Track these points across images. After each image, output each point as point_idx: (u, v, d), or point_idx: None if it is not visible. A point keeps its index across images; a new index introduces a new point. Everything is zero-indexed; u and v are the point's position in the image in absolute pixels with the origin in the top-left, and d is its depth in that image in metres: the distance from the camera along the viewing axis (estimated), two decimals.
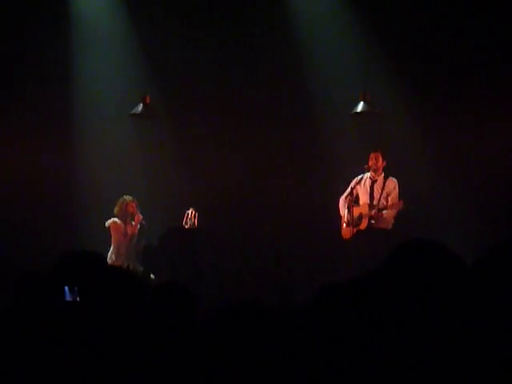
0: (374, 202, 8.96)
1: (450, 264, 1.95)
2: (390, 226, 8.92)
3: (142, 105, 9.89)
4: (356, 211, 8.89)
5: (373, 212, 8.89)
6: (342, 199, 9.17)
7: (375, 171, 8.99)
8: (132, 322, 2.99)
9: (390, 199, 8.93)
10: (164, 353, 2.86)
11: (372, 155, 8.98)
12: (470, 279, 1.89)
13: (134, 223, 9.33)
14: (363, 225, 8.91)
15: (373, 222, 8.88)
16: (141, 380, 2.76)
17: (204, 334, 2.54)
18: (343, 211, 9.08)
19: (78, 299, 3.36)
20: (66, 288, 3.41)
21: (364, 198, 9.02)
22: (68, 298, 3.42)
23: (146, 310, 3.16)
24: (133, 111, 9.98)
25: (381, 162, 8.98)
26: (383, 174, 9.03)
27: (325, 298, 2.68)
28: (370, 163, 8.96)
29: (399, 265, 2.00)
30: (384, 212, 8.87)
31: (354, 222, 8.80)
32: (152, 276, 8.83)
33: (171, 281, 3.69)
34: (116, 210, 9.35)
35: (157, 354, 2.83)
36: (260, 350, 2.44)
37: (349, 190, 9.08)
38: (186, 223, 9.14)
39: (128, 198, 9.37)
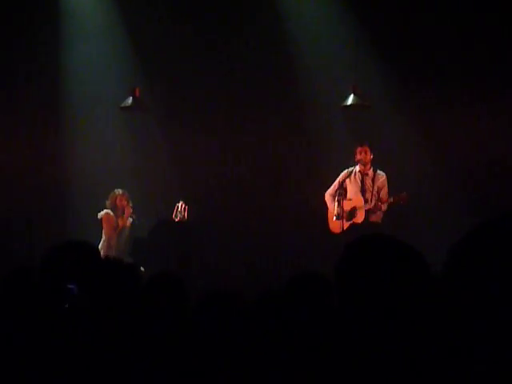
0: (368, 196, 8.97)
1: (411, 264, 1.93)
2: (380, 220, 8.94)
3: (131, 98, 9.86)
4: (347, 205, 8.88)
5: (372, 205, 8.89)
6: (328, 194, 9.17)
7: (364, 165, 9.00)
8: (127, 313, 2.98)
9: (382, 193, 8.94)
10: (160, 342, 2.85)
11: (360, 149, 8.99)
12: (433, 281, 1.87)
13: (124, 216, 9.32)
14: (359, 218, 8.90)
15: (372, 214, 8.88)
16: (137, 369, 2.75)
17: (196, 322, 2.54)
18: (331, 205, 9.08)
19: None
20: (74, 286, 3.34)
21: (354, 192, 9.01)
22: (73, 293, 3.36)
23: (140, 300, 3.16)
24: (122, 104, 9.95)
25: (369, 156, 9.00)
26: (372, 168, 9.04)
27: (294, 287, 2.71)
28: (359, 157, 8.97)
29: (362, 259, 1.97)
30: (383, 205, 8.87)
31: (345, 215, 8.81)
32: (142, 269, 8.80)
33: (165, 271, 3.67)
34: (107, 203, 9.36)
35: (153, 343, 2.82)
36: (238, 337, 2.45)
37: (336, 184, 9.07)
38: (176, 216, 9.13)
39: (118, 191, 9.37)
